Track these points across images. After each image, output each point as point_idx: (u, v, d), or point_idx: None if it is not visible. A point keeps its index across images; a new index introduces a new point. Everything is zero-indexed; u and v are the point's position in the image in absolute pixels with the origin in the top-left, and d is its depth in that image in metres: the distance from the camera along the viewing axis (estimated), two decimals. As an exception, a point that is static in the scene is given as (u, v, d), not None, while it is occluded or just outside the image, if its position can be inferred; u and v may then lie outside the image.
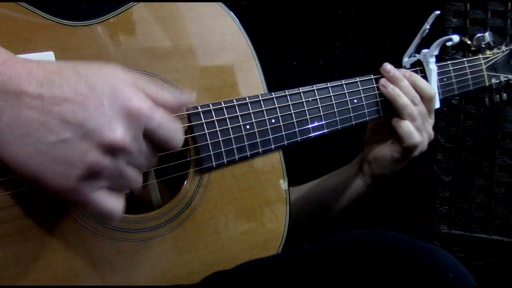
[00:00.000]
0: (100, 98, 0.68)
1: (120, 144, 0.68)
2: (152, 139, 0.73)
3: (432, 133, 1.22)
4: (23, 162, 0.66)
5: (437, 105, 1.26)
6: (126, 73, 0.74)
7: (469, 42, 1.41)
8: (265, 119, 1.01)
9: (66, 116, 0.65)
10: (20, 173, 0.67)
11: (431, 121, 1.23)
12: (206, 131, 0.95)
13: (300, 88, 1.07)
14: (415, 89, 1.19)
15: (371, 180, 1.27)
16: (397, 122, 1.17)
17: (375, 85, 1.18)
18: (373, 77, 1.18)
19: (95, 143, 0.67)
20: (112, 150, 0.68)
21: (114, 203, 0.73)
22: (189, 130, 0.94)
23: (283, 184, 1.05)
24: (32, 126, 0.65)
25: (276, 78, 1.07)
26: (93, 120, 0.67)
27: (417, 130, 1.17)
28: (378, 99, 1.18)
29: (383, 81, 1.18)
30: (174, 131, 0.75)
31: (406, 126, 1.16)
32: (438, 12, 1.21)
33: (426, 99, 1.19)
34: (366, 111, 1.17)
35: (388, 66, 1.19)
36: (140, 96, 0.71)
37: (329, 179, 1.35)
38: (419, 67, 1.26)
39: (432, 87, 1.23)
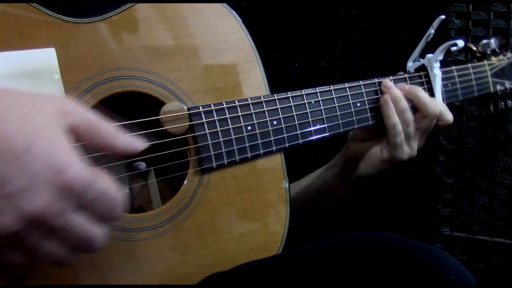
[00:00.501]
0: (34, 163, 0.62)
1: (40, 215, 0.63)
2: (87, 211, 0.67)
3: (422, 143, 1.21)
4: None
5: None
6: (81, 111, 0.70)
7: (474, 48, 1.40)
8: (266, 121, 1.01)
9: None
10: None
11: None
12: (207, 131, 0.94)
13: (302, 90, 1.06)
14: (417, 105, 1.17)
15: (356, 180, 1.25)
16: (383, 108, 1.15)
17: (378, 89, 1.17)
18: (376, 81, 1.18)
19: (13, 208, 0.62)
20: (31, 220, 0.63)
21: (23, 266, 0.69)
22: (189, 129, 0.93)
23: (284, 185, 1.04)
24: None
25: (277, 79, 1.07)
26: (17, 183, 0.61)
27: (405, 133, 1.15)
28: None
29: (386, 97, 1.16)
30: (109, 208, 0.69)
31: (392, 115, 1.14)
32: (443, 16, 1.21)
33: (429, 117, 1.17)
34: (368, 115, 1.16)
35: (388, 83, 1.17)
36: (78, 168, 0.65)
37: (312, 181, 1.34)
38: (423, 72, 1.25)
39: (440, 103, 1.21)
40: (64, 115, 0.68)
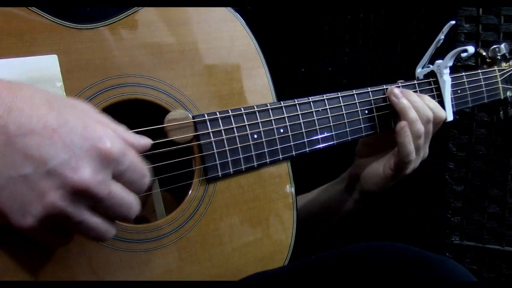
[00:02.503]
0: (70, 135, 0.64)
1: (85, 186, 0.63)
2: (121, 180, 0.69)
3: (427, 152, 1.17)
4: None
5: (450, 117, 1.24)
6: (98, 112, 0.71)
7: (484, 53, 1.38)
8: (273, 129, 0.99)
9: (30, 150, 0.61)
10: None
11: (429, 141, 1.18)
12: (213, 140, 0.93)
13: (309, 98, 1.05)
14: None
15: (360, 197, 1.23)
16: (400, 137, 1.10)
17: (387, 96, 1.15)
18: (385, 87, 1.16)
19: (57, 183, 0.63)
20: (76, 192, 0.64)
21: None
22: (195, 138, 0.92)
23: (290, 195, 1.02)
24: None
25: (283, 85, 1.05)
26: (58, 158, 0.62)
27: (416, 149, 1.12)
28: (390, 110, 1.15)
29: (396, 90, 1.13)
30: (140, 175, 0.71)
31: (408, 143, 1.10)
32: (453, 22, 1.19)
33: (435, 121, 1.15)
34: (377, 122, 1.14)
35: (395, 90, 1.14)
36: (112, 138, 0.67)
37: (318, 194, 1.32)
38: (432, 78, 1.23)
39: (428, 100, 1.17)
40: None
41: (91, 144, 0.64)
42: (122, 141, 0.69)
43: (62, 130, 0.63)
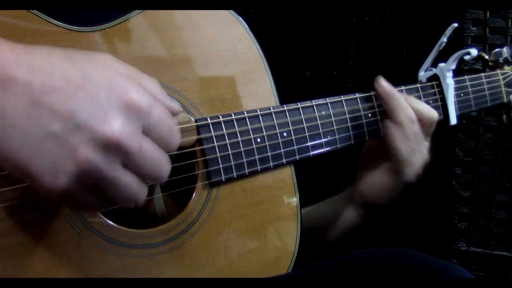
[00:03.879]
0: (96, 88, 0.62)
1: (116, 138, 0.62)
2: (151, 135, 0.68)
3: (425, 154, 1.14)
4: (9, 156, 0.60)
5: (453, 121, 1.23)
6: (121, 63, 0.69)
7: (487, 56, 1.37)
8: (276, 133, 0.99)
9: (56, 107, 0.60)
10: (7, 169, 0.61)
11: (426, 144, 1.14)
12: (216, 144, 0.92)
13: (313, 101, 1.04)
14: (389, 110, 1.11)
15: (366, 211, 1.20)
16: (387, 130, 1.09)
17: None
18: (388, 90, 1.15)
19: (87, 137, 0.61)
20: (107, 145, 0.62)
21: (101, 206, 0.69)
22: (197, 142, 0.91)
23: (294, 200, 1.02)
24: (19, 117, 0.59)
25: (288, 89, 1.05)
26: (86, 111, 0.61)
27: (411, 150, 1.09)
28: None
29: (380, 79, 1.10)
30: (170, 131, 0.70)
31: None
32: (455, 24, 1.18)
33: (425, 123, 1.12)
34: (380, 126, 1.13)
35: (382, 81, 1.11)
36: (138, 90, 0.66)
37: (323, 208, 1.29)
38: (435, 82, 1.23)
39: (434, 110, 1.15)
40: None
41: (117, 97, 0.63)
42: (149, 94, 0.67)
43: (86, 85, 0.62)
